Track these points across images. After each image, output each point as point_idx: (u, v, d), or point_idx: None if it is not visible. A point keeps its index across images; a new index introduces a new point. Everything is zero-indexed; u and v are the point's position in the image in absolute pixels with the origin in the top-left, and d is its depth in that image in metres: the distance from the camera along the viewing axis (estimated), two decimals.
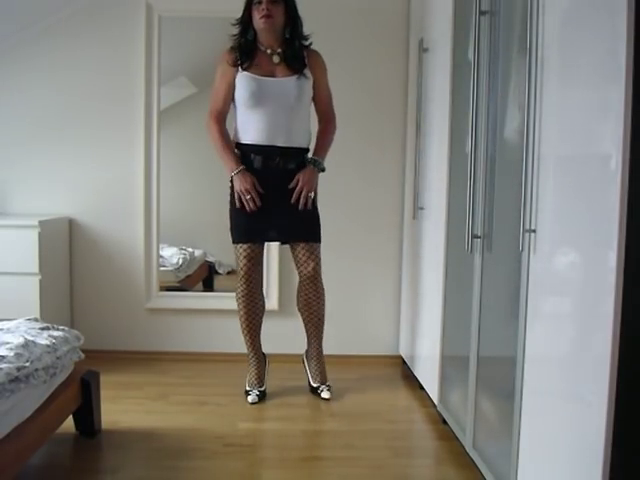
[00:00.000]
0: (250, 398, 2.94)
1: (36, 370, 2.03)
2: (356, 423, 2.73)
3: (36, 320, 2.50)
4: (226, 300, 3.41)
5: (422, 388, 3.05)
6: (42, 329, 2.35)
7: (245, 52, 2.86)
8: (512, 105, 2.01)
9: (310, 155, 2.95)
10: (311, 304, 3.00)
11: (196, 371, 3.41)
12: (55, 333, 2.33)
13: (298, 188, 2.86)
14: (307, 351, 3.14)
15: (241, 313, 3.01)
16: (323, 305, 3.03)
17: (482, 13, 2.15)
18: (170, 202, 3.66)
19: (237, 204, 2.87)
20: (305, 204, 2.87)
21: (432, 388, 2.82)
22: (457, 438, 2.45)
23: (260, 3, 2.78)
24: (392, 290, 3.65)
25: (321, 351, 3.09)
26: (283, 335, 3.46)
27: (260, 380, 3.03)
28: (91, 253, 3.62)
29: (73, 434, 2.51)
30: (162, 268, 3.71)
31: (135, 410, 2.82)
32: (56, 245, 3.46)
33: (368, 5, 3.54)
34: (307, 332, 3.09)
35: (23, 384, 1.94)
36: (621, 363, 1.35)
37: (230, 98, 2.90)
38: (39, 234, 3.19)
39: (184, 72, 3.85)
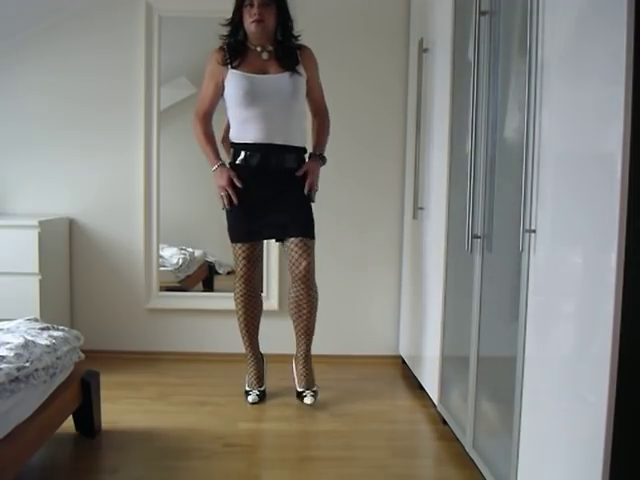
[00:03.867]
0: (250, 398, 2.92)
1: (36, 370, 2.03)
2: (356, 423, 2.73)
3: (36, 320, 2.50)
4: (226, 300, 3.40)
5: (422, 388, 3.05)
6: (42, 329, 2.35)
7: (235, 50, 2.80)
8: (512, 105, 2.01)
9: (310, 151, 2.95)
10: (302, 307, 2.89)
11: (196, 371, 3.41)
12: (55, 333, 2.33)
13: (308, 178, 2.84)
14: (295, 357, 3.06)
15: (239, 314, 2.99)
16: (315, 309, 2.92)
17: (482, 13, 2.15)
18: (170, 202, 3.66)
19: (223, 204, 2.85)
20: (309, 194, 2.86)
21: (432, 388, 2.82)
22: (457, 438, 2.45)
23: (252, 6, 2.73)
24: (392, 290, 3.65)
25: (309, 355, 3.00)
26: (283, 335, 3.46)
27: (260, 380, 3.02)
28: (91, 253, 3.62)
29: (73, 434, 2.51)
30: (162, 268, 3.72)
31: (135, 410, 2.82)
32: (56, 245, 3.46)
33: (368, 5, 3.54)
34: (296, 335, 2.99)
35: (23, 384, 1.94)
36: (621, 363, 1.35)
37: (218, 98, 2.85)
38: (39, 234, 3.19)
39: (184, 72, 3.85)
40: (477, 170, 2.20)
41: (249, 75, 2.77)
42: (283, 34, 2.84)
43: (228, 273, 3.89)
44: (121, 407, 2.83)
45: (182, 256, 3.84)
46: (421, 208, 3.11)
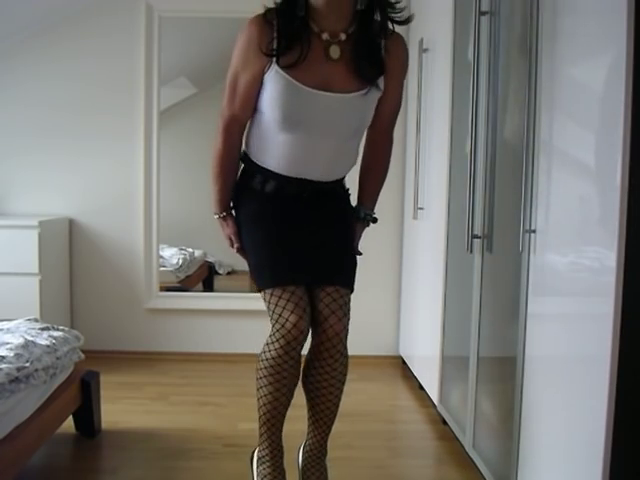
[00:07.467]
0: None
1: (36, 370, 2.03)
2: (356, 423, 2.73)
3: (36, 320, 2.50)
4: (226, 300, 3.41)
5: (422, 388, 3.05)
6: (42, 329, 2.35)
7: (290, 35, 1.72)
8: (512, 105, 2.01)
9: (355, 195, 2.12)
10: (329, 387, 1.86)
11: (196, 371, 3.41)
12: (55, 333, 2.33)
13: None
14: (304, 445, 2.02)
15: (263, 391, 1.84)
16: (344, 384, 1.91)
17: (482, 13, 2.15)
18: (170, 202, 3.66)
19: (250, 225, 1.92)
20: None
21: (432, 388, 2.82)
22: (457, 438, 2.45)
23: None
24: (392, 290, 3.65)
25: (325, 448, 1.97)
26: None
27: None
28: (91, 253, 3.62)
29: (73, 434, 2.51)
30: (162, 268, 3.72)
31: (135, 410, 2.82)
32: (56, 245, 3.46)
33: None
34: (311, 417, 1.96)
35: (23, 384, 1.94)
36: (621, 363, 1.35)
37: (254, 99, 1.80)
38: (39, 234, 3.19)
39: (184, 72, 3.85)
40: (477, 170, 2.20)
41: (303, 87, 1.72)
42: (369, 1, 1.76)
43: (228, 273, 3.89)
44: (121, 407, 2.83)
45: (182, 256, 3.84)
46: (421, 208, 3.11)
